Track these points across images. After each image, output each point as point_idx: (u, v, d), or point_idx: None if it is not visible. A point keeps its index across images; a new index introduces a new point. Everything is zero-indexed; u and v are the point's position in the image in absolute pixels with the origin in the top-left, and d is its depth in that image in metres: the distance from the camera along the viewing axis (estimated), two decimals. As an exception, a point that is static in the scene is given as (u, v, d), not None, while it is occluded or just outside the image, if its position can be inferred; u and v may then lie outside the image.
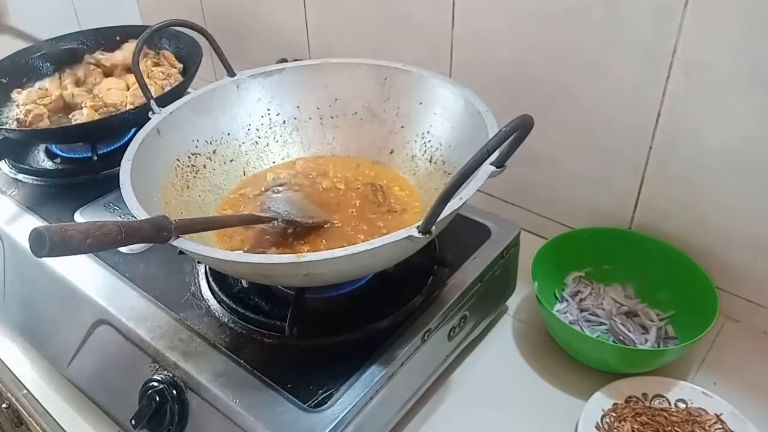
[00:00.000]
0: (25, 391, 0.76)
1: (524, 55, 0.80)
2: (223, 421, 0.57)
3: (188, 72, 1.01)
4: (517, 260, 0.77)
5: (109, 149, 0.94)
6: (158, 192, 0.66)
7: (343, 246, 0.51)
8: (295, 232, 0.67)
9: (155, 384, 0.61)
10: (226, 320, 0.65)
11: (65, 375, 0.74)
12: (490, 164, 0.53)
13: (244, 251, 0.65)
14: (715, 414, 0.65)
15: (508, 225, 0.75)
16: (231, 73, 0.78)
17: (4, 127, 0.93)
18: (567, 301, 0.78)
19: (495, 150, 0.48)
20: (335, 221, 0.69)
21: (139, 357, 0.64)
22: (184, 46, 1.06)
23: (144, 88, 0.73)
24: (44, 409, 0.74)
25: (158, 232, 0.52)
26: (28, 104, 0.96)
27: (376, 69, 0.76)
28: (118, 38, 1.09)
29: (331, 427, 0.54)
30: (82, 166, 0.93)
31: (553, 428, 0.66)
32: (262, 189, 0.75)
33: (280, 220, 0.65)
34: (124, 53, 1.06)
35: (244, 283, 0.69)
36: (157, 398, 0.60)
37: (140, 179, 0.61)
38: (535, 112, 0.49)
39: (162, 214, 0.53)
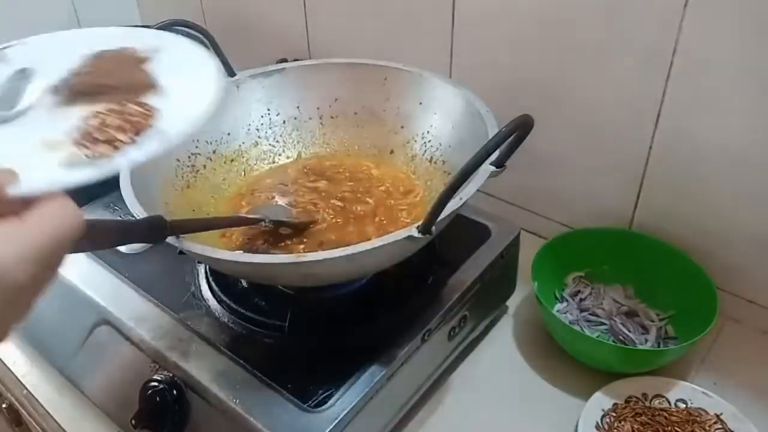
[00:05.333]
0: (25, 391, 0.76)
1: (524, 55, 0.80)
2: (223, 421, 0.57)
3: None
4: (517, 260, 0.77)
5: (109, 149, 0.94)
6: (158, 192, 0.66)
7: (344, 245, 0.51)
8: (293, 233, 0.67)
9: (155, 384, 0.61)
10: (226, 320, 0.65)
11: (65, 375, 0.74)
12: (490, 164, 0.53)
13: (244, 251, 0.65)
14: (715, 414, 0.65)
15: (508, 225, 0.75)
16: (231, 73, 0.78)
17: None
18: (567, 301, 0.78)
19: (495, 150, 0.48)
20: (337, 220, 0.69)
21: (139, 357, 0.64)
22: None
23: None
24: (44, 409, 0.74)
25: (154, 231, 0.52)
26: None
27: (376, 69, 0.76)
28: None
29: (331, 427, 0.54)
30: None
31: (553, 428, 0.66)
32: (263, 189, 0.75)
33: (267, 221, 0.65)
34: None
35: (244, 283, 0.69)
36: (157, 398, 0.60)
37: (140, 179, 0.61)
38: (535, 112, 0.49)
39: (158, 214, 0.53)
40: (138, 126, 0.42)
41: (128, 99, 0.45)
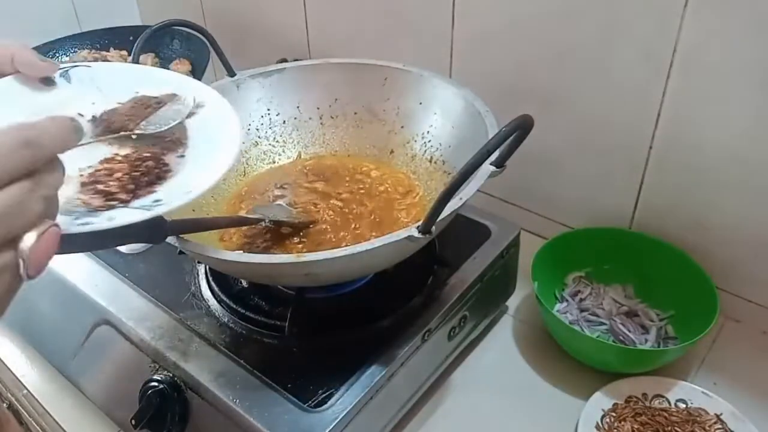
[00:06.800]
0: (25, 391, 0.76)
1: (524, 55, 0.80)
2: (223, 421, 0.57)
3: (196, 73, 1.02)
4: (517, 260, 0.77)
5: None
6: (158, 192, 0.66)
7: (343, 245, 0.51)
8: (293, 233, 0.67)
9: (155, 384, 0.61)
10: (226, 320, 0.65)
11: (65, 375, 0.74)
12: (490, 164, 0.53)
13: (244, 251, 0.65)
14: (715, 414, 0.65)
15: (508, 225, 0.75)
16: (231, 73, 0.78)
17: None
18: (567, 301, 0.78)
19: (495, 150, 0.48)
20: (337, 220, 0.69)
21: (139, 357, 0.64)
22: (194, 48, 1.06)
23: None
24: (44, 409, 0.74)
25: (154, 231, 0.52)
26: None
27: (376, 69, 0.76)
28: (131, 38, 1.10)
29: (331, 427, 0.54)
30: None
31: (553, 428, 0.66)
32: (263, 189, 0.75)
33: (267, 221, 0.65)
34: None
35: (244, 283, 0.69)
36: (157, 398, 0.60)
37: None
38: (535, 112, 0.49)
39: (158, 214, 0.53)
40: (140, 184, 0.42)
41: (151, 151, 0.44)
